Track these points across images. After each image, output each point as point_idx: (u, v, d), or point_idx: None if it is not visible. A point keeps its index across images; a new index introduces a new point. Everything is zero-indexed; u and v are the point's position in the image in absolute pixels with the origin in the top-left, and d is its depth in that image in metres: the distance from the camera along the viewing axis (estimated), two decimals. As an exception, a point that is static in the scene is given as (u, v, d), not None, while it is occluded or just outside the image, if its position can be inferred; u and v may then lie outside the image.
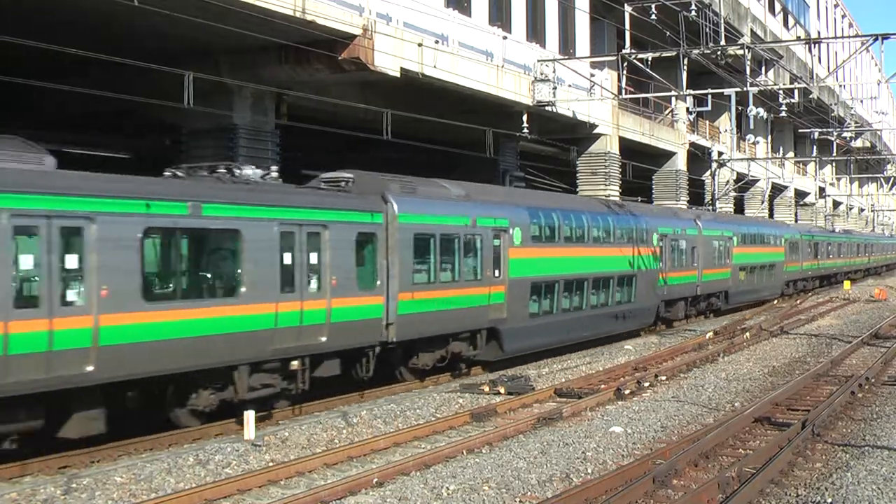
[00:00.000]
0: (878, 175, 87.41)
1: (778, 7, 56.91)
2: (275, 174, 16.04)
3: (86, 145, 23.92)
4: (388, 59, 20.70)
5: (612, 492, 10.50)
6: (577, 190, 35.40)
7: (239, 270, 14.28)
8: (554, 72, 27.34)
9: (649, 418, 15.23)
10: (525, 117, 27.83)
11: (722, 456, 12.63)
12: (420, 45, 21.97)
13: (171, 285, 13.63)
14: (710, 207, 45.27)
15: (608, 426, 14.59)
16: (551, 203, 23.96)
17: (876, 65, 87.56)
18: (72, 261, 11.89)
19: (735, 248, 35.03)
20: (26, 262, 11.50)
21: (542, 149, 33.78)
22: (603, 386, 18.30)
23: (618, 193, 35.89)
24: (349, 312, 16.02)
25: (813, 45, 35.13)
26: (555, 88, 27.16)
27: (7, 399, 11.28)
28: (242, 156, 21.12)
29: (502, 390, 17.90)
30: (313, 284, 15.40)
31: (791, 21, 60.76)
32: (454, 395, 17.91)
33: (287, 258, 14.92)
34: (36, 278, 11.60)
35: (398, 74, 21.35)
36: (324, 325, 15.46)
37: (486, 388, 18.14)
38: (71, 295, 11.92)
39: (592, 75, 31.34)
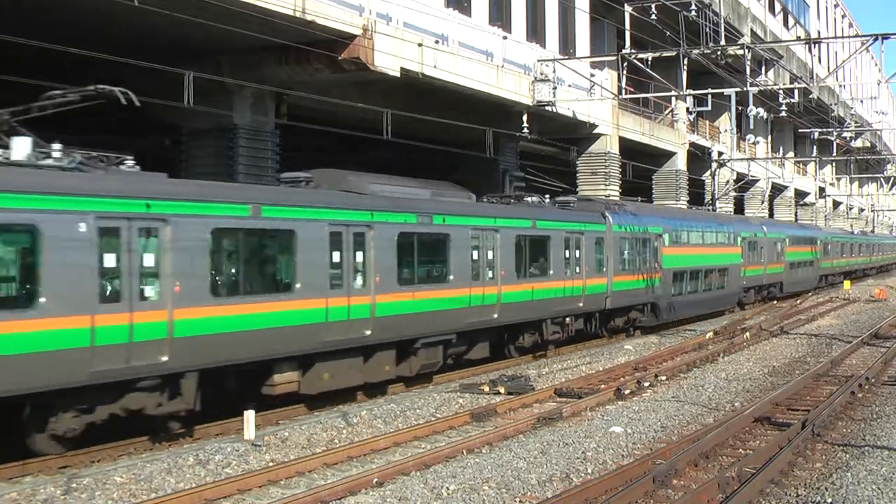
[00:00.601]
0: (878, 175, 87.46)
1: (778, 7, 56.91)
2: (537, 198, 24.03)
3: (86, 145, 23.86)
4: (388, 59, 20.70)
5: (612, 492, 10.50)
6: (577, 190, 35.40)
7: (560, 263, 23.11)
8: (554, 72, 27.35)
9: (649, 418, 15.23)
10: (525, 117, 27.84)
11: (722, 456, 12.63)
12: (420, 45, 21.98)
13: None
14: (710, 207, 45.35)
15: (608, 426, 14.59)
16: (682, 216, 34.43)
17: (876, 65, 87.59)
18: (149, 259, 12.84)
19: (787, 247, 43.63)
20: (109, 260, 12.37)
21: (542, 149, 33.80)
22: (603, 386, 18.30)
23: (618, 193, 35.90)
24: (592, 288, 24.50)
25: (813, 45, 35.17)
26: (555, 88, 27.17)
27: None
28: (242, 156, 21.13)
29: (502, 390, 17.90)
30: (577, 270, 23.79)
31: (791, 21, 60.77)
32: (454, 395, 17.91)
33: (572, 253, 23.69)
34: (118, 275, 12.46)
35: (398, 74, 21.35)
36: (581, 297, 23.97)
37: (486, 388, 18.14)
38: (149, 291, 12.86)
39: (592, 75, 31.35)
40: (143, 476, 11.77)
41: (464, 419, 15.35)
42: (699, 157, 45.56)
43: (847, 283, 51.70)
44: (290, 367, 15.18)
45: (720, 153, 47.84)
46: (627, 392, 17.49)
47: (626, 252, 26.74)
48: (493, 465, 12.22)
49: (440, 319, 18.33)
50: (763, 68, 46.48)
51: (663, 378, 19.43)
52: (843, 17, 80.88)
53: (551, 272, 22.58)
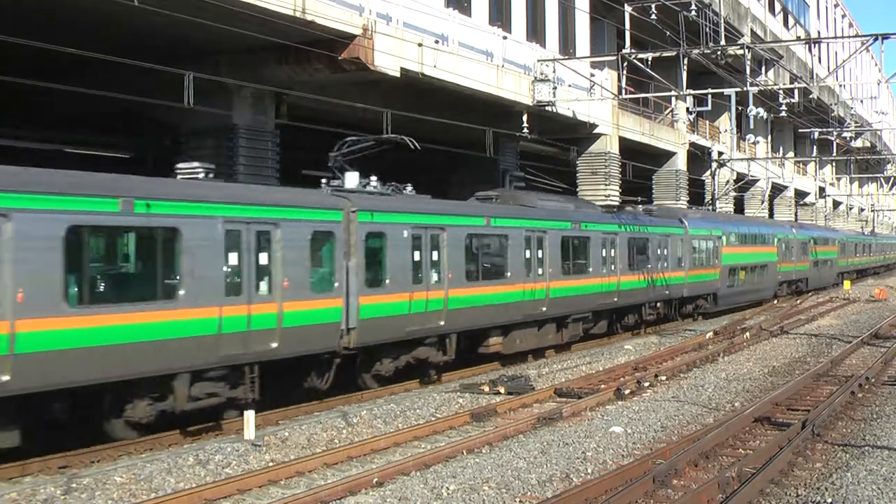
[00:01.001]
0: (878, 175, 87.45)
1: (778, 7, 56.90)
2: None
3: (86, 145, 23.91)
4: (388, 59, 20.69)
5: (612, 492, 10.50)
6: (577, 190, 35.40)
7: (657, 259, 29.31)
8: (554, 72, 27.35)
9: (649, 418, 15.23)
10: (525, 117, 27.83)
11: (722, 456, 12.63)
12: (420, 45, 21.97)
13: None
14: (710, 207, 45.37)
15: (608, 426, 14.59)
16: (735, 220, 41.21)
17: (876, 65, 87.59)
18: (263, 258, 14.49)
19: (812, 247, 49.93)
20: (233, 258, 14.05)
21: (542, 149, 33.79)
22: (603, 386, 18.30)
23: (617, 193, 35.89)
24: (675, 280, 30.60)
25: (813, 45, 35.13)
26: (555, 88, 27.16)
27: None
28: (242, 156, 21.13)
29: (502, 390, 17.90)
30: (665, 265, 29.72)
31: (791, 21, 60.76)
32: (454, 394, 17.91)
33: (663, 252, 29.75)
34: (239, 272, 14.17)
35: (398, 74, 21.34)
36: (667, 286, 29.74)
37: (486, 388, 18.14)
38: (263, 286, 14.57)
39: (592, 75, 31.34)
40: (143, 476, 11.77)
41: (464, 419, 15.34)
42: (699, 157, 45.55)
43: (847, 283, 51.72)
44: (496, 333, 20.87)
45: (720, 153, 47.84)
46: (627, 392, 17.48)
47: (697, 251, 33.19)
48: (493, 465, 12.22)
49: (582, 302, 24.37)
50: (763, 68, 46.47)
51: (663, 378, 19.43)
52: (843, 17, 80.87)
53: (649, 266, 28.64)
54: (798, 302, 43.16)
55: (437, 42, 22.96)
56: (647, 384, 18.47)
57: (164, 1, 16.26)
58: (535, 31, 30.28)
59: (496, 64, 25.98)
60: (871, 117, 80.00)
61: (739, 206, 55.76)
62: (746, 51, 27.42)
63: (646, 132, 38.41)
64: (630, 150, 37.17)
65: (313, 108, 23.26)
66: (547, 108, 27.47)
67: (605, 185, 34.96)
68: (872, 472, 11.44)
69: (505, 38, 26.81)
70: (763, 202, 57.96)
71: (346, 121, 24.72)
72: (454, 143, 28.50)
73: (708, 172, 47.03)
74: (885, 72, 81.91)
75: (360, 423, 15.14)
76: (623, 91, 29.08)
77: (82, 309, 12.05)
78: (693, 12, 32.27)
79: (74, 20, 17.74)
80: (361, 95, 23.70)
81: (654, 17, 31.87)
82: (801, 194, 68.73)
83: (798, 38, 51.43)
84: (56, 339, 11.64)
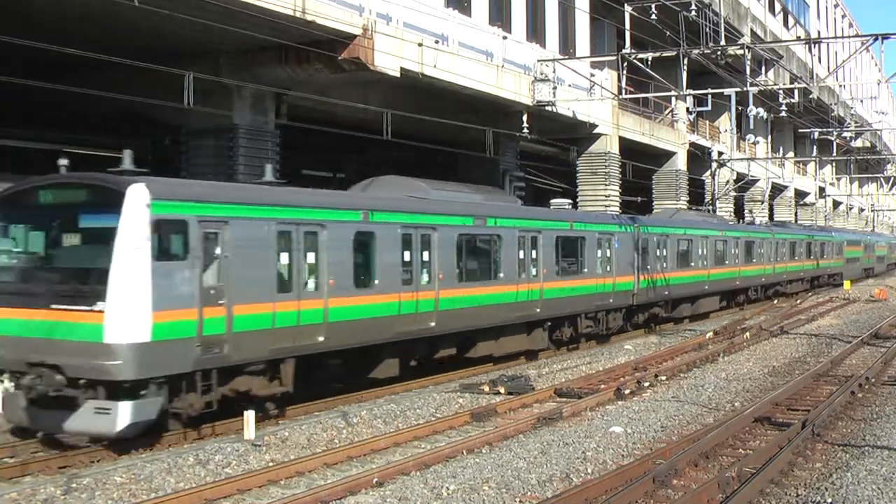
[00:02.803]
0: (878, 175, 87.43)
1: (778, 7, 56.90)
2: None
3: (86, 145, 23.90)
4: (388, 59, 20.69)
5: (612, 492, 10.50)
6: (577, 190, 35.41)
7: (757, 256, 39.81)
8: (554, 72, 27.34)
9: (649, 418, 15.23)
10: (525, 117, 27.83)
11: (722, 456, 12.63)
12: (420, 45, 21.97)
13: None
14: (710, 208, 45.35)
15: (608, 426, 14.58)
16: (819, 229, 55.93)
17: (876, 65, 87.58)
18: (311, 257, 15.48)
19: (845, 247, 59.27)
20: (284, 257, 14.95)
21: (542, 149, 33.79)
22: (603, 386, 18.29)
23: (617, 193, 35.90)
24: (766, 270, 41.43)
25: (813, 45, 35.12)
26: (555, 88, 27.16)
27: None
28: (242, 156, 21.13)
29: (502, 390, 17.89)
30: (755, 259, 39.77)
31: (791, 21, 60.75)
32: (454, 395, 17.91)
33: (756, 251, 39.02)
34: (289, 270, 15.10)
35: (398, 74, 21.34)
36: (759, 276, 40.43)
37: (486, 388, 18.13)
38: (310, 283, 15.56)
39: (592, 75, 31.34)
40: (143, 476, 11.77)
41: (464, 419, 15.34)
42: (699, 157, 45.55)
43: (847, 283, 51.74)
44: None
45: (720, 153, 47.84)
46: (627, 392, 17.48)
47: (789, 249, 44.96)
48: (493, 465, 12.22)
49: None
50: (763, 68, 46.47)
51: (663, 378, 19.43)
52: (843, 17, 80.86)
53: (754, 260, 38.88)
54: (798, 302, 43.17)
55: (437, 42, 22.96)
56: (647, 384, 18.46)
57: (165, 1, 16.25)
58: (535, 31, 30.28)
59: (496, 64, 25.98)
60: (871, 117, 79.97)
61: (739, 207, 55.76)
62: (746, 51, 27.41)
63: (646, 132, 38.41)
64: (630, 150, 37.17)
65: (313, 109, 23.26)
66: (547, 108, 27.47)
67: (605, 185, 34.97)
68: (872, 472, 11.44)
69: (505, 38, 26.81)
70: (763, 202, 57.96)
71: (347, 121, 24.75)
72: (454, 143, 28.52)
73: (708, 172, 47.03)
74: (885, 72, 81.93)
75: (360, 423, 15.13)
76: (623, 91, 29.08)
77: (360, 291, 16.48)
78: (693, 12, 32.26)
79: (74, 20, 17.74)
80: (361, 96, 23.71)
81: (654, 17, 31.84)
82: (801, 194, 68.72)
83: (798, 38, 51.43)
84: (346, 312, 16.04)
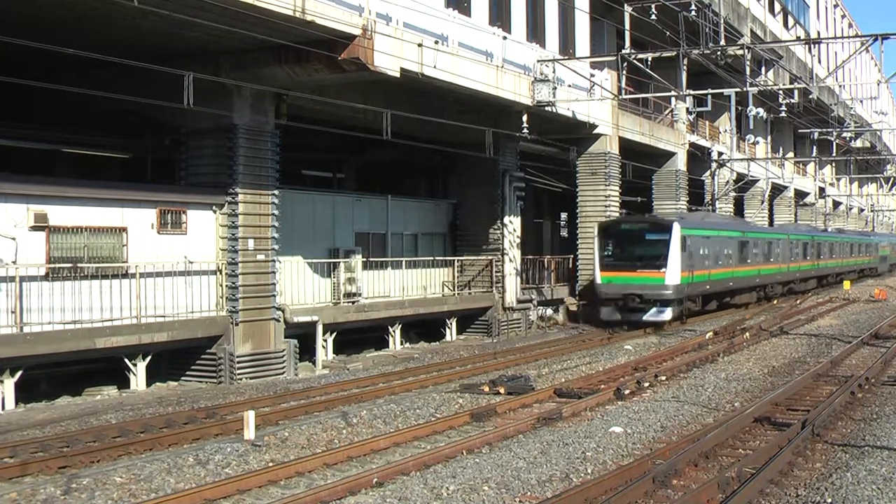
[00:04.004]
0: (878, 175, 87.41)
1: (778, 7, 56.88)
2: None
3: (86, 145, 23.89)
4: (388, 59, 20.67)
5: (611, 492, 10.50)
6: (577, 190, 35.38)
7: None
8: (554, 72, 27.31)
9: (649, 418, 15.23)
10: (525, 117, 27.79)
11: (722, 456, 12.63)
12: (420, 45, 21.94)
13: None
14: (710, 208, 45.37)
15: (608, 426, 14.59)
16: (878, 233, 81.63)
17: (876, 65, 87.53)
18: (724, 251, 36.65)
19: (881, 246, 73.95)
20: (709, 250, 34.92)
21: (542, 149, 33.77)
22: (603, 386, 18.30)
23: (617, 193, 35.88)
24: (873, 261, 70.17)
25: (813, 45, 35.12)
26: (555, 88, 27.12)
27: None
28: (242, 156, 21.11)
29: (502, 390, 17.90)
30: (866, 254, 67.81)
31: (791, 21, 60.73)
32: (454, 395, 17.92)
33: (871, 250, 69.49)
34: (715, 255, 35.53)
35: (398, 74, 21.31)
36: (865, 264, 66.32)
37: (486, 388, 18.15)
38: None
39: (592, 75, 31.31)
40: (143, 476, 11.77)
41: (464, 419, 15.35)
42: (699, 157, 45.53)
43: (847, 283, 51.78)
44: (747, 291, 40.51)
45: (720, 153, 47.82)
46: (627, 392, 17.49)
47: (849, 249, 61.15)
48: (492, 465, 12.22)
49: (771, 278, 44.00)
50: (763, 68, 46.46)
51: (663, 378, 19.44)
52: (843, 17, 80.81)
53: (832, 256, 56.72)
54: (798, 302, 43.18)
55: (437, 42, 22.92)
56: (646, 384, 18.47)
57: (165, 1, 16.24)
58: (535, 32, 30.25)
59: (496, 64, 25.95)
60: (871, 117, 79.95)
61: (739, 207, 55.77)
62: (746, 51, 27.38)
63: (646, 132, 38.39)
64: (630, 150, 37.15)
65: (313, 109, 23.25)
66: (547, 108, 27.44)
67: (605, 185, 34.96)
68: (872, 472, 11.44)
69: (505, 38, 26.78)
70: (763, 202, 57.96)
71: (346, 121, 24.73)
72: (454, 143, 28.50)
73: (708, 173, 47.01)
74: (884, 72, 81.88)
75: (360, 423, 15.14)
76: (623, 91, 29.06)
77: (741, 265, 38.03)
78: (693, 12, 32.27)
79: (74, 20, 17.72)
80: (361, 96, 23.69)
81: (653, 17, 31.85)
82: (800, 194, 68.71)
83: (798, 39, 51.41)
84: (735, 274, 37.33)
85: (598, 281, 31.46)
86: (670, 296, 30.77)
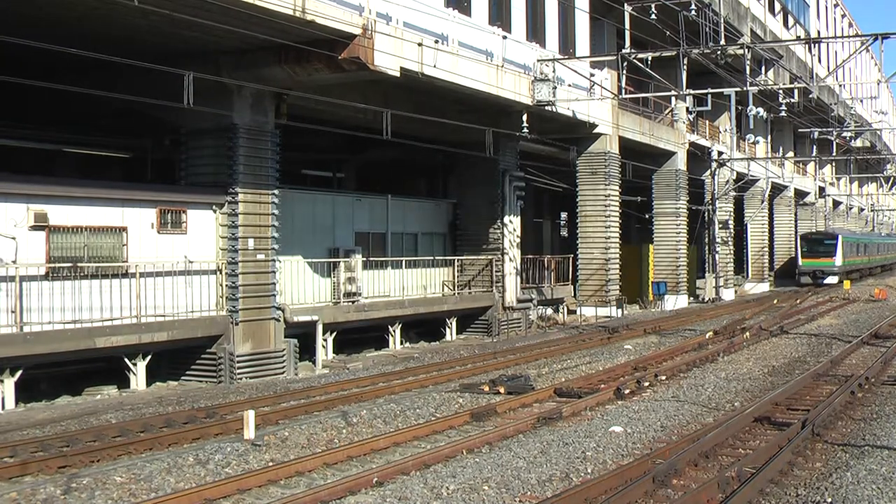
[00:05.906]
0: (878, 175, 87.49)
1: (778, 7, 56.89)
2: None
3: (86, 145, 23.91)
4: (388, 58, 20.67)
5: (611, 491, 10.50)
6: (577, 190, 35.39)
7: None
8: (554, 71, 27.33)
9: (649, 418, 15.23)
10: (525, 117, 27.81)
11: (722, 456, 12.63)
12: (420, 44, 21.95)
13: None
14: (710, 208, 45.35)
15: (608, 426, 14.59)
16: None
17: (876, 65, 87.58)
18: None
19: None
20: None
21: (542, 148, 33.79)
22: (603, 386, 18.30)
23: (617, 193, 35.89)
24: None
25: (813, 45, 35.14)
26: (555, 88, 27.14)
27: None
28: (242, 155, 21.12)
29: (502, 390, 17.90)
30: None
31: (791, 21, 60.75)
32: (454, 394, 17.92)
33: None
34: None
35: (398, 74, 21.32)
36: None
37: (486, 388, 18.15)
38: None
39: (592, 75, 31.33)
40: (143, 476, 11.77)
41: (464, 419, 15.35)
42: (699, 157, 45.55)
43: (847, 283, 51.81)
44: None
45: (720, 153, 47.84)
46: (627, 392, 17.49)
47: None
48: (492, 464, 12.22)
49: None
50: (763, 68, 46.49)
51: (663, 378, 19.44)
52: (843, 16, 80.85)
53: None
54: (798, 302, 43.17)
55: (437, 42, 22.93)
56: (646, 384, 18.47)
57: (165, 0, 16.24)
58: (535, 31, 30.26)
59: (496, 64, 25.97)
60: (871, 117, 79.98)
61: (739, 207, 55.80)
62: (746, 51, 27.40)
63: (646, 132, 38.41)
64: (630, 149, 37.17)
65: (313, 108, 23.25)
66: (547, 107, 27.46)
67: (605, 185, 34.97)
68: (872, 471, 11.44)
69: (505, 37, 26.79)
70: (763, 202, 57.98)
71: (346, 121, 24.74)
72: (454, 142, 28.51)
73: (708, 172, 47.03)
74: (884, 71, 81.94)
75: (360, 423, 15.14)
76: (623, 91, 29.08)
77: (867, 255, 71.56)
78: (693, 12, 32.29)
79: (74, 20, 17.72)
80: (361, 95, 23.69)
81: (653, 16, 31.88)
82: (800, 194, 68.75)
83: (798, 38, 51.41)
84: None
85: (800, 263, 58.91)
86: (837, 272, 58.10)
